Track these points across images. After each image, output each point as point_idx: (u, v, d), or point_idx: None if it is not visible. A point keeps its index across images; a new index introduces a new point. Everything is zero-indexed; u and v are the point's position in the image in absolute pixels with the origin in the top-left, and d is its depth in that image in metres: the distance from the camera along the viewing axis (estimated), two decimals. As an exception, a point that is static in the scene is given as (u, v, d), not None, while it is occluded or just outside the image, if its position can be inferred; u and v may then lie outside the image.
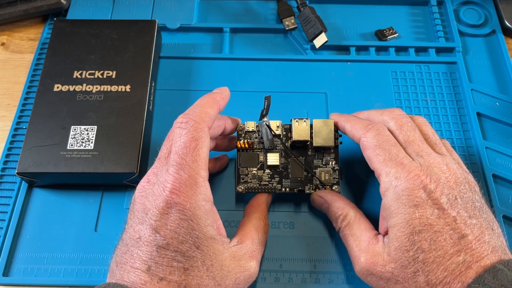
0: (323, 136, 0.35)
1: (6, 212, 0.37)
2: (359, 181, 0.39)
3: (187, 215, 0.28)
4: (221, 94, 0.33)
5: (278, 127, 0.36)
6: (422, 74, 0.45)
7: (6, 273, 0.35)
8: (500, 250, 0.28)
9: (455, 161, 0.31)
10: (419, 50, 0.47)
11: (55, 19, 0.44)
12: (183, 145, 0.29)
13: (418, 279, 0.28)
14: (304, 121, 0.35)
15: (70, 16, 0.48)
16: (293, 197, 0.38)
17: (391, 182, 0.29)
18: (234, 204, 0.38)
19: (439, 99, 0.44)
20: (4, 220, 0.37)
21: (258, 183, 0.35)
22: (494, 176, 0.39)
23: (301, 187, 0.35)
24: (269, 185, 0.35)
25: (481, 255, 0.27)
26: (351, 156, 0.40)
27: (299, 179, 0.35)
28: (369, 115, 0.35)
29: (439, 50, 0.46)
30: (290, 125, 0.36)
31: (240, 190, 0.35)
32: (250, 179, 0.35)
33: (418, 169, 0.29)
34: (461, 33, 0.48)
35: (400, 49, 0.47)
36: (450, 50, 0.46)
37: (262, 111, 0.34)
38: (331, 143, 0.35)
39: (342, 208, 0.33)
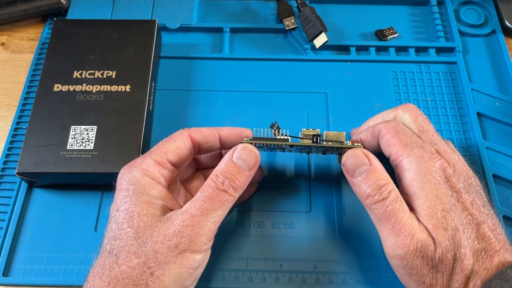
0: (334, 135, 0.34)
1: (6, 212, 0.37)
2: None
3: (125, 186, 0.29)
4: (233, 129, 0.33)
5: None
6: (422, 74, 0.45)
7: (6, 273, 0.35)
8: None
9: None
10: (419, 50, 0.47)
11: (55, 19, 0.44)
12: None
13: (456, 267, 0.27)
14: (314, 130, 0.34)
15: (70, 16, 0.48)
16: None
17: (414, 161, 0.29)
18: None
19: (439, 99, 0.43)
20: (4, 220, 0.37)
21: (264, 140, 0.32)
22: (494, 176, 0.39)
23: (317, 137, 0.31)
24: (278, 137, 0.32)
25: (497, 245, 0.27)
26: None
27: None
28: (384, 113, 0.36)
29: (439, 50, 0.46)
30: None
31: (242, 141, 0.32)
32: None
33: (437, 153, 0.30)
34: (461, 33, 0.48)
35: (400, 49, 0.47)
36: (450, 50, 0.46)
37: (272, 124, 0.33)
38: (343, 139, 0.33)
39: (388, 178, 0.30)
